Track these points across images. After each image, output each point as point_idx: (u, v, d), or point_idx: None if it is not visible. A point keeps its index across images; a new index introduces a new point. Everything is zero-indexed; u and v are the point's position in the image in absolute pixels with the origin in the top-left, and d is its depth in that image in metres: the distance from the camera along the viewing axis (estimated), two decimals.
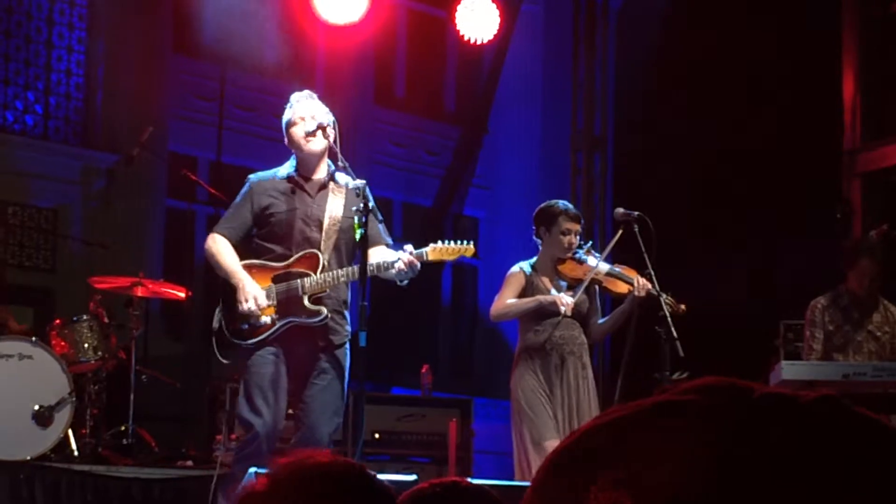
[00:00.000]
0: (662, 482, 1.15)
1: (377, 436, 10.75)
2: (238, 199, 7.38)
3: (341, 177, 7.39)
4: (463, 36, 14.21)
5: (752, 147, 13.84)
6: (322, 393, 7.17)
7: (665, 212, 8.85)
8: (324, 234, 7.24)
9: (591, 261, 8.25)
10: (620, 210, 8.34)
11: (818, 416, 1.17)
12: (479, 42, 14.27)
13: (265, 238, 7.28)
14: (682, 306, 8.13)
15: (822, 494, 1.13)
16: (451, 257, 7.44)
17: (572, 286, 8.24)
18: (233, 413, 8.51)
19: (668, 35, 14.43)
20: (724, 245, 13.22)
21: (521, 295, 8.21)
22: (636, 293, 8.03)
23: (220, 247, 7.23)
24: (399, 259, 7.08)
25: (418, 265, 7.12)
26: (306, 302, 7.15)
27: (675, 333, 7.78)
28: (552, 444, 7.95)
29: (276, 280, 7.17)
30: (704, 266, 8.65)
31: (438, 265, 16.12)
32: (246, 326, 7.12)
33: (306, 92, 7.43)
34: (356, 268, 7.15)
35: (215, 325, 7.22)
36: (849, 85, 14.56)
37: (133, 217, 13.42)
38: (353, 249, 7.31)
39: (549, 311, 8.12)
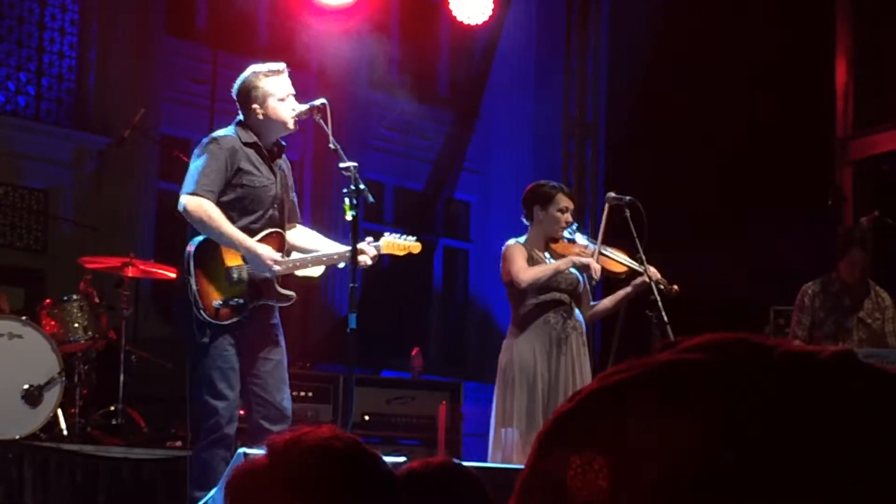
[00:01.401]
0: (655, 462, 1.06)
1: (367, 418, 10.77)
2: (210, 158, 7.00)
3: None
4: (456, 19, 14.21)
5: (743, 133, 13.84)
6: (276, 368, 7.07)
7: (656, 198, 8.85)
8: (283, 211, 7.21)
9: (581, 240, 8.24)
10: (612, 194, 8.34)
11: (839, 372, 1.09)
12: (472, 25, 14.28)
13: (230, 208, 7.00)
14: (675, 287, 8.14)
15: (856, 462, 1.04)
16: (399, 252, 7.39)
17: None
18: None
19: (661, 22, 14.42)
20: (714, 231, 13.22)
21: (527, 263, 8.15)
22: (647, 279, 8.01)
23: (216, 212, 6.91)
24: (362, 251, 7.06)
25: (370, 261, 7.12)
26: (275, 284, 7.07)
27: (665, 318, 7.80)
28: (528, 436, 7.90)
29: (244, 258, 7.03)
30: (694, 251, 8.66)
31: (429, 248, 16.14)
32: (220, 305, 6.91)
33: (283, 64, 7.26)
34: (327, 255, 7.17)
35: (193, 304, 6.93)
36: (841, 73, 14.56)
37: (124, 199, 13.41)
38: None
39: (550, 285, 8.09)
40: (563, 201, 8.14)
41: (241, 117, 7.21)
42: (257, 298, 7.02)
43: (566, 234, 8.23)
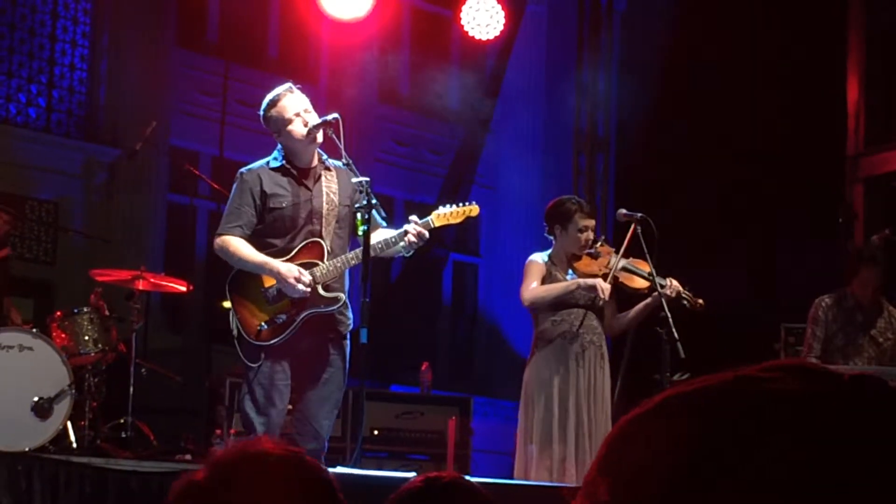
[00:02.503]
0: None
1: (376, 432, 10.76)
2: (235, 195, 7.24)
3: (331, 161, 7.38)
4: (468, 34, 14.22)
5: (755, 150, 13.84)
6: (325, 385, 7.14)
7: (667, 214, 8.84)
8: (324, 222, 7.21)
9: (606, 256, 8.23)
10: (623, 211, 8.33)
11: None
12: (483, 40, 14.29)
13: (265, 234, 7.19)
14: (700, 301, 8.13)
15: None
16: (457, 220, 7.46)
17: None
18: (232, 407, 8.48)
19: (672, 37, 14.41)
20: (725, 247, 13.21)
21: (545, 278, 8.17)
22: (668, 293, 8.00)
23: (236, 243, 7.10)
24: (406, 231, 7.11)
25: (426, 234, 7.15)
26: (321, 290, 7.11)
27: (675, 334, 7.78)
28: (554, 449, 7.93)
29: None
30: (706, 268, 8.65)
31: (439, 262, 16.14)
32: (263, 327, 7.04)
33: (288, 85, 7.37)
34: (353, 253, 7.18)
35: (234, 331, 7.09)
36: (853, 90, 14.55)
37: (135, 211, 13.42)
38: (350, 233, 7.32)
39: (568, 301, 8.09)
40: (583, 221, 8.15)
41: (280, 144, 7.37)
42: (303, 310, 7.08)
43: (594, 248, 8.24)
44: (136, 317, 10.22)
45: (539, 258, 8.25)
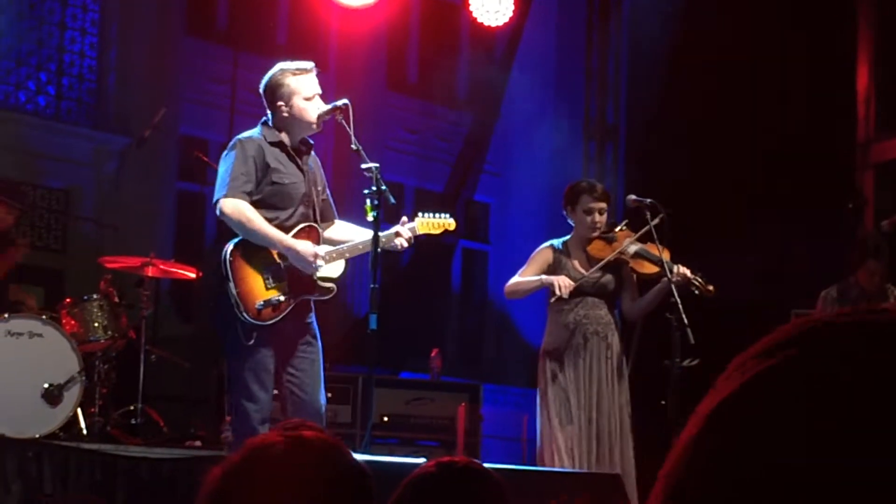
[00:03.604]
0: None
1: (386, 419, 10.76)
2: (238, 161, 7.07)
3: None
4: (476, 20, 14.20)
5: (764, 137, 13.81)
6: (313, 366, 7.08)
7: (676, 201, 8.82)
8: (314, 207, 7.20)
9: (622, 241, 8.19)
10: (632, 197, 8.31)
11: None
12: (492, 27, 14.27)
13: (261, 206, 7.05)
14: (711, 287, 8.11)
15: None
16: (436, 231, 7.44)
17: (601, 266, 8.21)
18: None
19: (682, 24, 14.38)
20: (734, 235, 13.19)
21: (547, 272, 8.16)
22: (673, 279, 7.97)
23: (252, 213, 6.96)
24: (398, 233, 7.12)
25: (412, 240, 7.18)
26: (316, 279, 7.10)
27: (685, 320, 7.77)
28: (567, 431, 7.93)
29: (282, 256, 7.06)
30: (714, 255, 8.63)
31: (449, 250, 16.14)
32: (262, 306, 6.94)
33: (312, 63, 7.31)
34: (354, 244, 7.18)
35: (235, 307, 6.96)
36: (863, 76, 14.52)
37: (144, 199, 13.41)
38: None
39: (579, 288, 8.09)
40: (589, 202, 8.13)
41: (266, 118, 7.24)
42: (298, 294, 7.04)
43: (612, 233, 8.23)
44: (145, 304, 10.24)
45: (549, 245, 8.26)
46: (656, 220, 8.11)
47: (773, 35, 13.87)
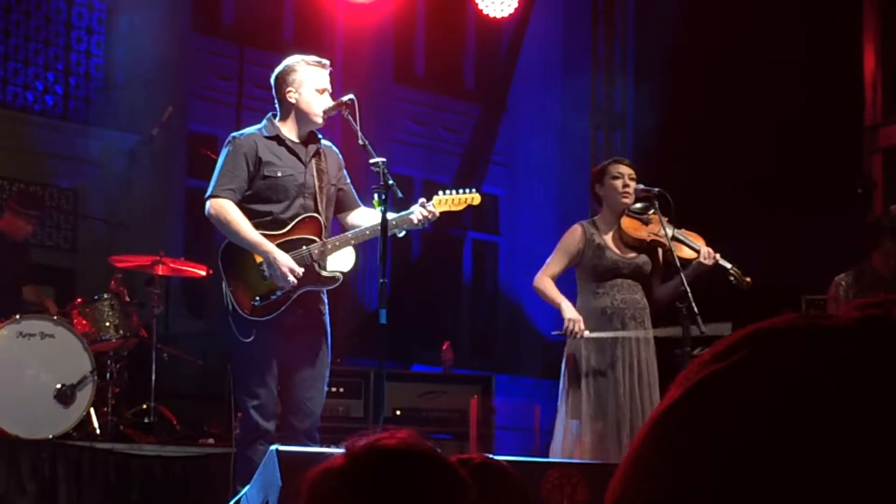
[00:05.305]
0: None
1: (398, 412, 10.76)
2: (228, 158, 7.09)
3: (324, 142, 7.37)
4: (482, 12, 14.19)
5: (772, 122, 13.77)
6: (313, 363, 7.06)
7: (685, 187, 8.80)
8: (318, 198, 7.17)
9: (656, 224, 8.01)
10: (640, 186, 8.19)
11: None
12: (498, 17, 14.26)
13: (255, 200, 7.05)
14: (748, 279, 8.02)
15: None
16: (458, 207, 7.35)
17: (633, 245, 8.01)
18: None
19: (688, 11, 14.36)
20: (743, 220, 13.16)
21: (580, 253, 7.96)
22: (703, 260, 7.87)
23: (235, 214, 6.95)
24: (413, 213, 7.07)
25: (434, 216, 7.10)
26: (318, 268, 7.08)
27: (696, 309, 7.72)
28: (594, 426, 7.80)
29: (281, 249, 7.01)
30: (725, 240, 8.61)
31: (458, 241, 16.14)
32: (258, 302, 6.94)
33: (328, 61, 7.32)
34: (362, 230, 7.16)
35: (228, 305, 6.99)
36: (870, 60, 14.48)
37: (153, 197, 13.43)
38: (332, 214, 7.29)
39: (609, 272, 7.94)
40: (616, 168, 8.00)
41: (272, 113, 7.26)
42: (299, 287, 7.00)
43: (648, 213, 8.07)
44: (156, 302, 10.27)
45: (578, 225, 8.07)
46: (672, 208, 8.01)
47: (779, 21, 13.83)
